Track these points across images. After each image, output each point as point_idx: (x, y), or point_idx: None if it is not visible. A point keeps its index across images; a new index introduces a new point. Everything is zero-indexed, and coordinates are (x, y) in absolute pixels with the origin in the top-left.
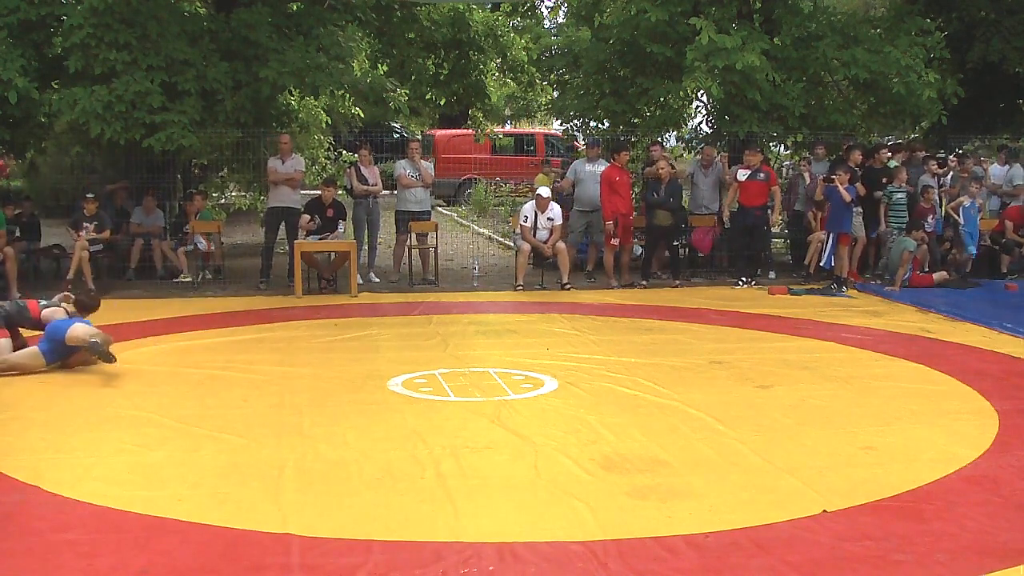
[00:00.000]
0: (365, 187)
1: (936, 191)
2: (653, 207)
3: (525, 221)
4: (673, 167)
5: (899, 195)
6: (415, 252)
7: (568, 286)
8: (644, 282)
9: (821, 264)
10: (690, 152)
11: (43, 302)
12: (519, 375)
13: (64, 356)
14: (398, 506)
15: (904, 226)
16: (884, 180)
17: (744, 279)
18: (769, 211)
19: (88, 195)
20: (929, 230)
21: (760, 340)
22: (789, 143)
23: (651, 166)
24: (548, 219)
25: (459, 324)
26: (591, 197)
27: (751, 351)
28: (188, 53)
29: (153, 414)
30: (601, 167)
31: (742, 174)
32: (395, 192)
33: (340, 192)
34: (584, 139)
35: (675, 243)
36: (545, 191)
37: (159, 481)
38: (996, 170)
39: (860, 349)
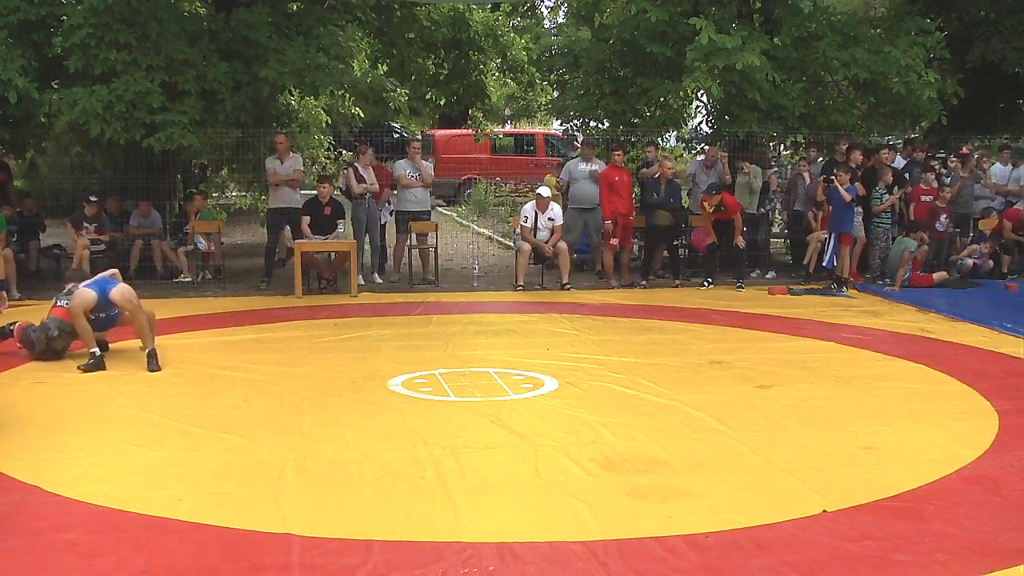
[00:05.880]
0: (364, 186)
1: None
2: (653, 207)
3: (525, 221)
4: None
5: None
6: (415, 252)
7: (568, 286)
8: (644, 282)
9: (823, 264)
10: (690, 152)
11: (61, 302)
12: (519, 375)
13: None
14: (398, 506)
15: (889, 226)
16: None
17: (707, 280)
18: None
19: (91, 198)
20: (942, 229)
21: (760, 340)
22: (789, 143)
23: (647, 167)
24: (548, 219)
25: (459, 324)
26: (587, 195)
27: (751, 351)
28: (188, 53)
29: (153, 414)
30: (596, 166)
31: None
32: (395, 192)
33: (337, 192)
34: (581, 139)
35: (675, 243)
36: (545, 191)
37: (159, 481)
38: (998, 169)
39: (860, 349)
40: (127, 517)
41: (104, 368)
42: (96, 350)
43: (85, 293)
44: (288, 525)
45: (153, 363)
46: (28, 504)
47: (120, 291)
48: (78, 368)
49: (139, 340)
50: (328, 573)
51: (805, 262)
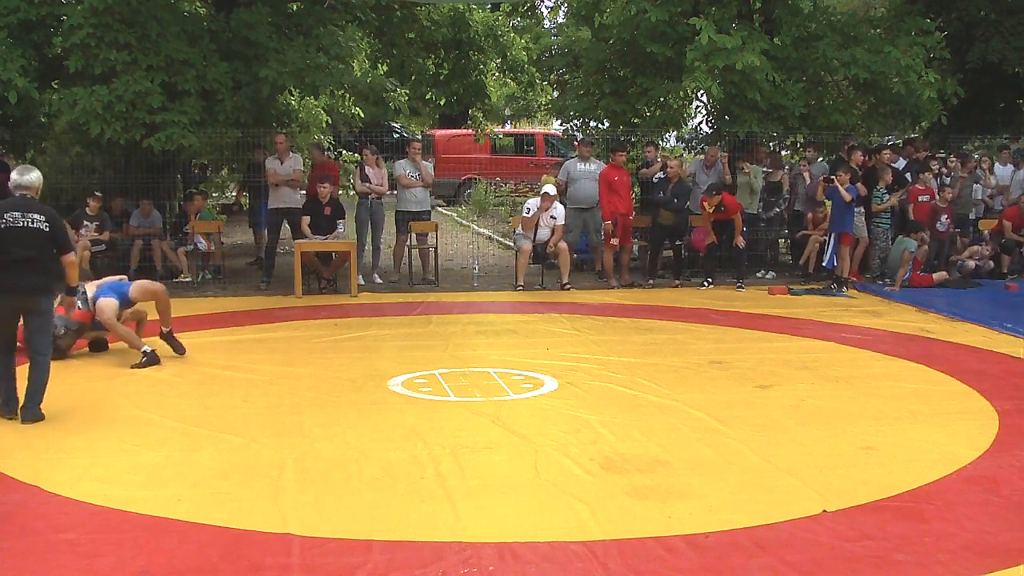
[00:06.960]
0: (367, 185)
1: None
2: (659, 206)
3: (527, 213)
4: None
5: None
6: (415, 252)
7: (568, 286)
8: (651, 280)
9: (823, 264)
10: (690, 152)
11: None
12: (519, 375)
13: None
14: (398, 506)
15: (889, 226)
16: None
17: (708, 280)
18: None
19: (96, 192)
20: (943, 229)
21: (760, 340)
22: (789, 143)
23: (647, 167)
24: (551, 217)
25: (459, 324)
26: (586, 195)
27: (751, 351)
28: (188, 53)
29: (153, 414)
30: (594, 166)
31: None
32: (395, 192)
33: (341, 192)
34: (579, 139)
35: (678, 243)
36: (551, 189)
37: (159, 481)
38: (999, 170)
39: (860, 349)
40: (127, 517)
41: (159, 363)
42: (148, 348)
43: (107, 303)
44: (288, 525)
45: (178, 346)
46: (28, 504)
47: (138, 287)
48: (131, 367)
49: (161, 344)
50: (328, 573)
51: (802, 262)
